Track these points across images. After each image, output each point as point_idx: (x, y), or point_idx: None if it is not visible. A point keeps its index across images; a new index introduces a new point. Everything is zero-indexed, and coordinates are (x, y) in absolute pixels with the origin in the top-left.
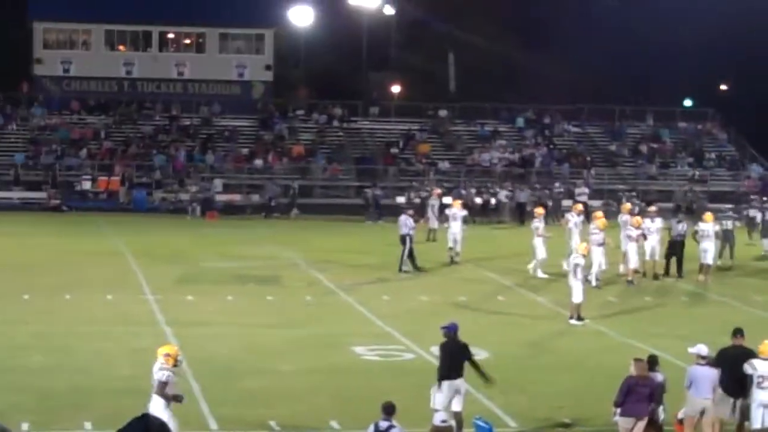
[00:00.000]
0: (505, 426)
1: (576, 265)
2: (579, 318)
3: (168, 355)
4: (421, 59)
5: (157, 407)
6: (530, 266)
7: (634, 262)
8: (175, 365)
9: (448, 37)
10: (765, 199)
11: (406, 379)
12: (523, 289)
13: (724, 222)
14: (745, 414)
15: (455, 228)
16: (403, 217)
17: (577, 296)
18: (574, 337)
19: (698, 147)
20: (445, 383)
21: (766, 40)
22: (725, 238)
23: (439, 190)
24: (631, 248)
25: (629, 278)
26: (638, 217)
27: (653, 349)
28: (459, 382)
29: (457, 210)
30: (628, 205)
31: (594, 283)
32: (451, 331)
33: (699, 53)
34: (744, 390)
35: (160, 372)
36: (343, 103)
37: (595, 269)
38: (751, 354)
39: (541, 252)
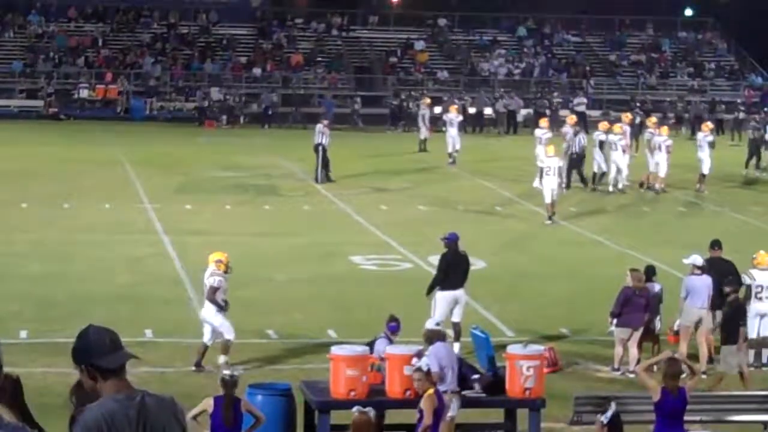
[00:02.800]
0: (502, 335)
1: (559, 168)
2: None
3: (219, 261)
4: None
5: (210, 313)
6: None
7: (653, 167)
8: (226, 271)
9: None
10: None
11: (403, 289)
12: (520, 198)
13: (750, 131)
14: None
15: (452, 132)
16: (319, 126)
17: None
18: (571, 247)
19: (698, 57)
20: (444, 293)
21: None
22: (753, 147)
23: (428, 100)
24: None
25: (650, 184)
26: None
27: (650, 259)
28: (459, 293)
29: (453, 115)
30: (629, 116)
31: (620, 186)
32: (451, 241)
33: None
34: (724, 301)
35: (211, 278)
36: (342, 11)
37: (625, 173)
38: (730, 265)
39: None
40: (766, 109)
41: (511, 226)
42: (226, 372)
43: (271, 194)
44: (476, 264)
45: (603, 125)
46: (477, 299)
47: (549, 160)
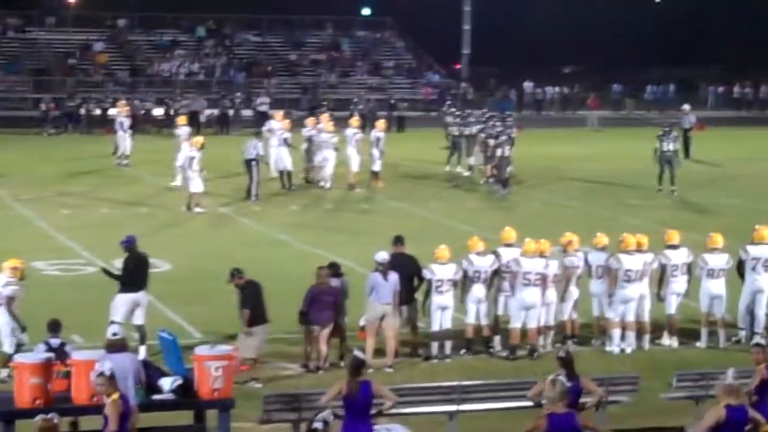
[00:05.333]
0: (189, 337)
1: (191, 158)
2: (196, 206)
3: (15, 268)
4: None
5: (4, 322)
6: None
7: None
8: (21, 279)
9: None
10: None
11: (88, 293)
12: (206, 198)
13: (665, 143)
14: (414, 317)
15: (122, 133)
16: None
17: (197, 186)
18: (257, 247)
19: (376, 56)
20: (124, 296)
21: None
22: (665, 160)
23: (127, 107)
24: (352, 153)
25: (351, 183)
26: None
27: (335, 257)
28: (140, 295)
29: (123, 117)
30: (326, 115)
31: (328, 184)
32: (129, 244)
33: None
34: (409, 296)
35: (7, 287)
36: (19, 12)
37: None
38: (413, 260)
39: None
40: (468, 109)
41: (197, 227)
42: None
43: None
44: (161, 266)
45: (311, 121)
46: (164, 301)
47: (191, 152)
